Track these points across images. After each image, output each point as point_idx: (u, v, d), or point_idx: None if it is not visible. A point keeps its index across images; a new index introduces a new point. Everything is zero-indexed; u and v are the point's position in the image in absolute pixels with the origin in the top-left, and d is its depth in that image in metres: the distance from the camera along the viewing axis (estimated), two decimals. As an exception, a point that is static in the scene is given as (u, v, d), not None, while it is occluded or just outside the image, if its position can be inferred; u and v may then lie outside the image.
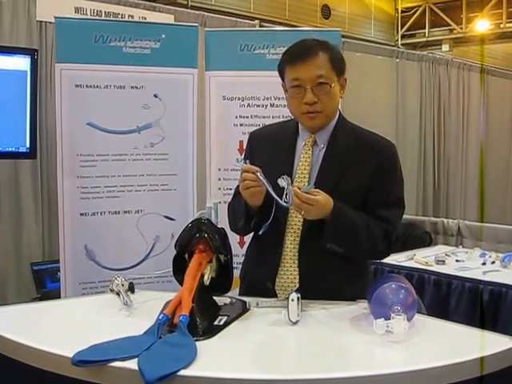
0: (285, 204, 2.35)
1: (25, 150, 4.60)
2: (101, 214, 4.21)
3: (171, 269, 2.43)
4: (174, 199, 4.33)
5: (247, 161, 2.52)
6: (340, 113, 2.68)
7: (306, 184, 2.51)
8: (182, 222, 3.71)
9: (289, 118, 2.81)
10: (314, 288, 2.48)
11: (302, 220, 2.55)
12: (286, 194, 2.33)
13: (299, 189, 2.36)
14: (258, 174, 2.41)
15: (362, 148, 2.60)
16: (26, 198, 5.49)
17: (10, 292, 5.41)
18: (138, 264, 4.23)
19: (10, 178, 5.41)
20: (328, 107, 2.56)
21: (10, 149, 4.54)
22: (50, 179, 5.33)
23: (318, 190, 2.39)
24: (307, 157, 2.60)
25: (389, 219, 2.56)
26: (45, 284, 5.18)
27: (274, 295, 2.57)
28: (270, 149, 2.69)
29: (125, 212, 4.25)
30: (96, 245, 4.19)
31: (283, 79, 2.63)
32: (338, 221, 2.43)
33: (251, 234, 2.76)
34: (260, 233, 2.50)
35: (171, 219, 4.28)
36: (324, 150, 2.61)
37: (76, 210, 4.16)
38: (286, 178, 2.37)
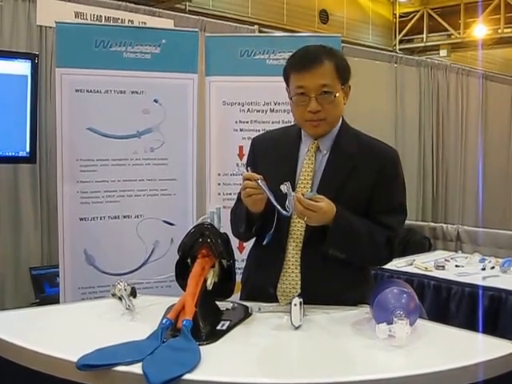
0: (285, 212, 2.36)
1: (25, 155, 4.59)
2: (100, 218, 4.21)
3: (173, 273, 2.43)
4: (174, 204, 4.33)
5: (249, 168, 2.53)
6: (343, 119, 2.68)
7: (309, 190, 2.52)
8: (181, 227, 3.73)
9: (291, 124, 2.81)
10: (316, 293, 2.48)
11: (304, 226, 2.55)
12: (289, 201, 2.34)
13: (302, 195, 2.37)
14: (259, 181, 2.41)
15: (365, 154, 2.60)
16: (26, 202, 5.50)
17: (8, 297, 5.40)
18: (137, 269, 4.23)
19: (10, 182, 5.41)
20: (331, 115, 2.56)
21: (10, 153, 4.54)
22: (50, 184, 5.33)
23: (320, 196, 2.39)
24: (310, 163, 2.60)
25: (391, 225, 2.57)
26: (43, 289, 5.17)
27: (276, 300, 2.57)
28: (272, 154, 2.69)
29: (124, 217, 4.25)
30: (95, 249, 4.19)
31: (288, 85, 2.63)
32: (340, 227, 2.43)
33: (253, 240, 2.77)
34: (264, 243, 2.51)
35: (171, 224, 4.28)
36: (327, 156, 2.61)
37: (75, 214, 4.16)
38: (288, 184, 2.37)
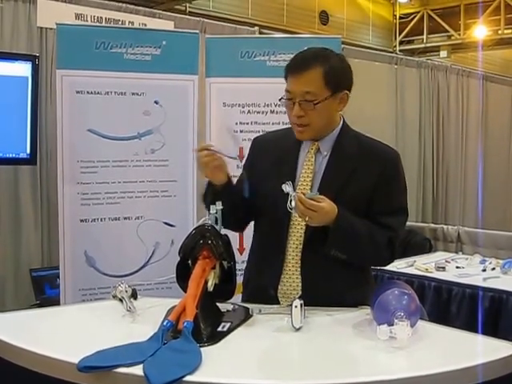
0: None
1: (25, 156, 4.58)
2: (101, 220, 4.21)
3: (174, 275, 2.43)
4: (174, 205, 4.33)
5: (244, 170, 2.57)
6: (344, 120, 2.67)
7: (309, 191, 2.52)
8: (181, 229, 3.73)
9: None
10: (316, 295, 2.47)
11: (304, 227, 2.55)
12: (291, 201, 2.34)
13: (303, 194, 2.36)
14: (212, 148, 2.46)
15: (366, 156, 2.60)
16: (26, 203, 5.49)
17: (9, 298, 5.40)
18: (137, 270, 4.23)
19: (10, 183, 5.41)
20: (315, 122, 2.53)
21: (11, 155, 4.53)
22: (50, 185, 5.33)
23: (322, 196, 2.38)
24: (310, 164, 2.60)
25: (392, 226, 2.56)
26: (44, 290, 5.16)
27: (277, 302, 2.57)
28: (273, 155, 2.69)
29: (125, 218, 4.25)
30: (96, 251, 4.19)
31: None
32: (341, 228, 2.43)
33: (253, 242, 2.78)
34: (245, 195, 2.54)
35: (171, 225, 4.27)
36: (327, 157, 2.60)
37: (76, 216, 4.16)
38: (290, 184, 2.37)
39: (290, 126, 2.66)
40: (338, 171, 2.58)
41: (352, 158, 2.59)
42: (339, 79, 2.54)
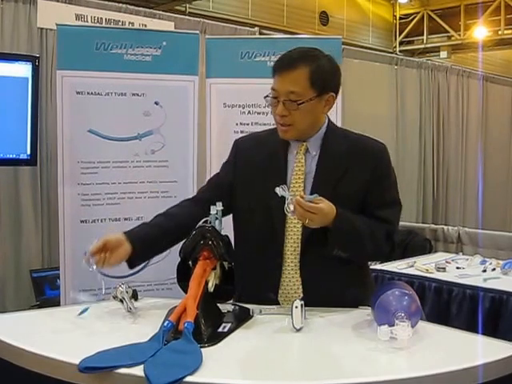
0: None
1: (25, 157, 4.57)
2: (101, 221, 4.21)
3: (175, 276, 2.43)
4: (175, 206, 4.32)
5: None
6: (329, 119, 2.65)
7: (302, 192, 2.51)
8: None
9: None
10: (317, 295, 2.47)
11: (301, 229, 2.54)
12: (288, 204, 2.33)
13: (302, 197, 2.35)
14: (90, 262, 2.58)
15: (356, 152, 2.59)
16: (26, 204, 5.49)
17: (9, 299, 5.40)
18: (138, 271, 4.19)
19: (10, 184, 5.41)
20: (299, 122, 2.51)
21: (11, 155, 4.53)
22: (50, 186, 5.34)
23: (320, 198, 2.37)
24: (300, 165, 2.58)
25: (388, 219, 2.56)
26: (44, 291, 5.17)
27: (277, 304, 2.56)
28: (259, 157, 2.65)
29: (125, 219, 4.24)
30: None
31: None
32: (342, 227, 2.42)
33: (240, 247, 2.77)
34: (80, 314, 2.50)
35: (172, 226, 4.26)
36: (317, 157, 2.59)
37: (76, 217, 4.17)
38: (285, 187, 2.36)
39: (273, 126, 2.65)
40: (330, 170, 2.57)
41: (342, 156, 2.58)
42: (326, 81, 2.52)
